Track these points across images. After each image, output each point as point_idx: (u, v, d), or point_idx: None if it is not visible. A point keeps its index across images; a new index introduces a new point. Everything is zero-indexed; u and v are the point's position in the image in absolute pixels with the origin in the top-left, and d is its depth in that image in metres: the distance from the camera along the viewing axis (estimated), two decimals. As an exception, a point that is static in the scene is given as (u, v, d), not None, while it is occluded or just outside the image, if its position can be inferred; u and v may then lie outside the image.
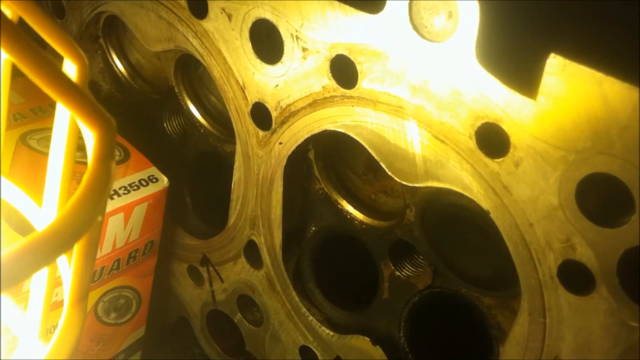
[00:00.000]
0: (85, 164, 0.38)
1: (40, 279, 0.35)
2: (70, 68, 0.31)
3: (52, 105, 0.59)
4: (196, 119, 0.60)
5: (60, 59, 0.30)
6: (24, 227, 0.46)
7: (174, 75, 0.58)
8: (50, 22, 0.30)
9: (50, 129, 0.56)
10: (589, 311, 0.37)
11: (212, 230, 0.60)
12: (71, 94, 0.28)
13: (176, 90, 0.59)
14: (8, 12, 0.30)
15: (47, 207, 0.34)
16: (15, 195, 0.38)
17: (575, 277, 0.37)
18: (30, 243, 0.25)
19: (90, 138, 0.29)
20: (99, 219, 0.30)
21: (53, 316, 0.41)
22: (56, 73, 0.28)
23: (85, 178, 0.28)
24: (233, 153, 0.54)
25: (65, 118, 0.31)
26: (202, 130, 0.60)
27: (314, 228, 0.55)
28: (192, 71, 0.59)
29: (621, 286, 0.35)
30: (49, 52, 0.27)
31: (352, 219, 0.52)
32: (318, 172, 0.53)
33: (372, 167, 0.52)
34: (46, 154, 0.54)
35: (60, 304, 0.51)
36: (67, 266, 0.34)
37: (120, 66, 0.64)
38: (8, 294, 0.41)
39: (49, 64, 0.27)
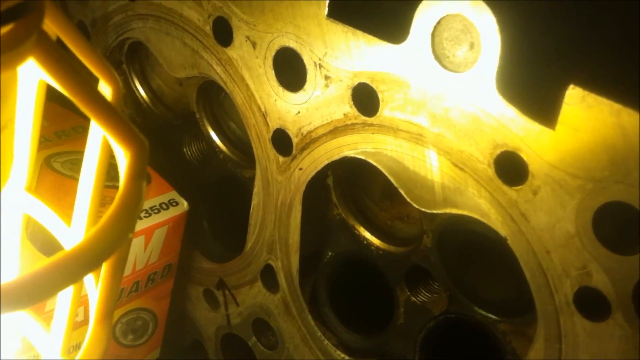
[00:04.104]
0: (110, 187, 0.39)
1: (66, 296, 0.36)
2: (105, 90, 0.31)
3: (75, 128, 0.61)
4: (216, 144, 0.61)
5: (94, 81, 0.31)
6: (48, 248, 0.47)
7: (196, 101, 0.59)
8: (88, 44, 0.31)
9: (73, 152, 0.58)
10: (604, 337, 0.37)
11: (229, 254, 0.61)
12: (106, 113, 0.29)
13: (197, 116, 0.60)
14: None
15: (76, 225, 0.34)
16: (43, 214, 0.38)
17: (591, 304, 0.37)
18: (64, 258, 0.26)
19: (123, 158, 0.30)
20: (129, 235, 0.31)
21: (74, 336, 0.41)
22: (93, 92, 0.28)
23: (118, 196, 0.29)
24: (251, 178, 0.55)
25: (98, 139, 0.32)
26: (221, 156, 0.61)
27: (330, 253, 0.56)
28: (213, 97, 0.60)
29: (637, 312, 0.36)
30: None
31: (369, 244, 0.53)
32: (336, 198, 0.53)
33: (388, 194, 0.52)
34: (69, 177, 0.55)
35: (80, 324, 0.52)
36: (95, 282, 0.34)
37: (142, 92, 0.65)
38: (31, 312, 0.42)
39: (86, 83, 0.28)
